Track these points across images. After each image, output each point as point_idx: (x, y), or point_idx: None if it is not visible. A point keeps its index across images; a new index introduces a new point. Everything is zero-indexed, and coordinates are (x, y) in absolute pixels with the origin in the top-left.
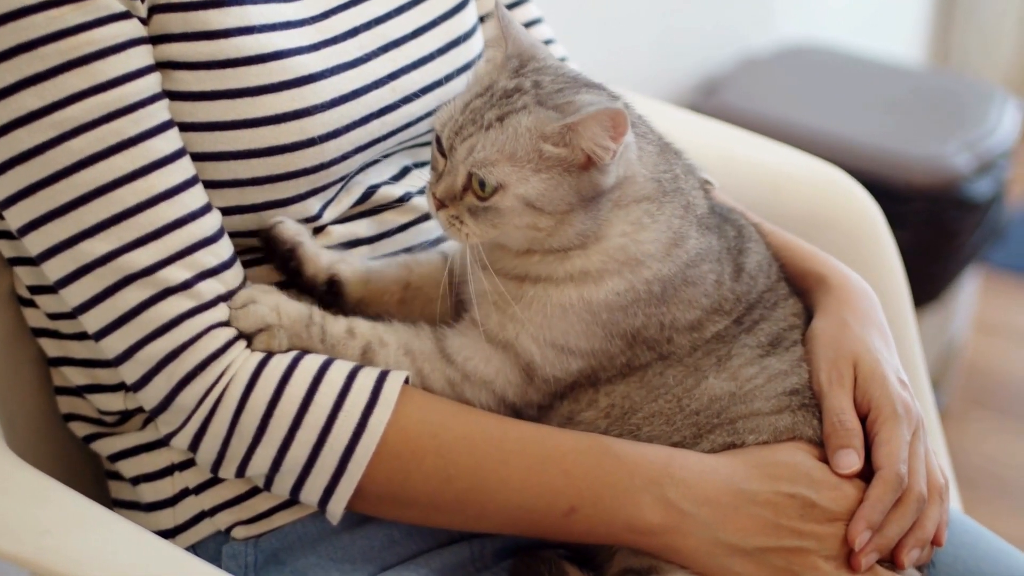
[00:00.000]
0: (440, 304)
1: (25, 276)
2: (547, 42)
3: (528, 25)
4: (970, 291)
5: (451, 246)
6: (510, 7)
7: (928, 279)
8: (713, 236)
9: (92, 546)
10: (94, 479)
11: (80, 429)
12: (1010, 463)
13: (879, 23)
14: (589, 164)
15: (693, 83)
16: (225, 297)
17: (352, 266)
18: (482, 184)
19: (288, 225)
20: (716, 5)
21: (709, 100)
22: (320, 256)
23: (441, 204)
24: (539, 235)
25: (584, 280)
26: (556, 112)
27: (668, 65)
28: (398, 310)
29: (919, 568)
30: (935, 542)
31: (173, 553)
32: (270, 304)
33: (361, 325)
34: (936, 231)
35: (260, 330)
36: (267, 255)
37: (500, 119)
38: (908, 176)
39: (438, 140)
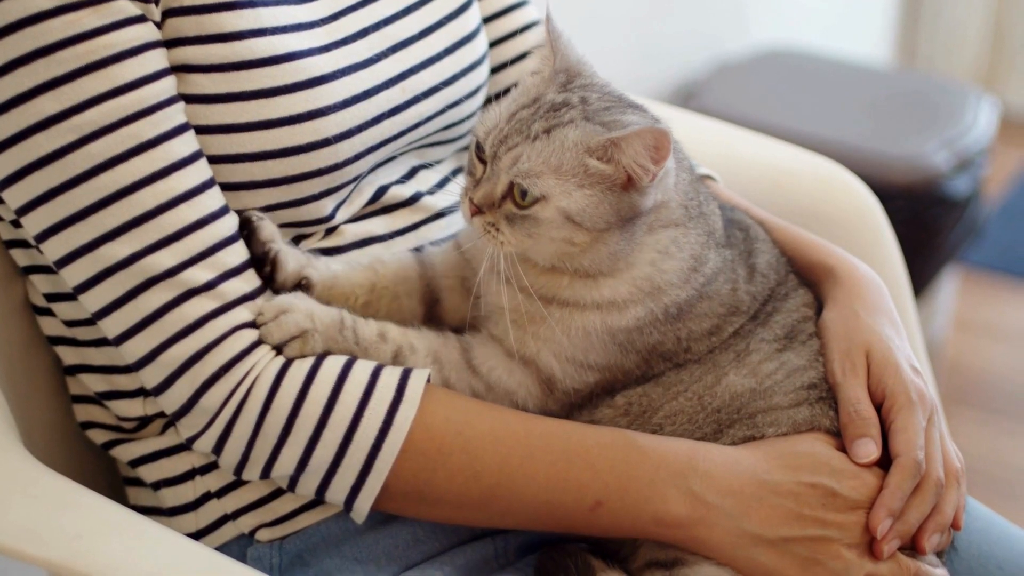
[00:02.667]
0: (408, 302)
1: (41, 284)
2: (533, 24)
3: (514, 8)
4: (949, 289)
5: (431, 248)
6: None
7: (909, 277)
8: (726, 249)
9: (124, 549)
10: (110, 487)
11: (98, 436)
12: (990, 458)
13: (846, 25)
14: (629, 184)
15: (671, 88)
16: (249, 296)
17: (319, 271)
18: (523, 194)
19: (266, 224)
20: (691, 11)
21: (687, 105)
22: (289, 261)
23: (478, 210)
24: (572, 250)
25: (610, 309)
26: (603, 128)
27: (646, 71)
28: (362, 312)
29: (939, 554)
30: (954, 526)
31: (205, 554)
32: (304, 310)
33: (392, 330)
34: (917, 229)
35: (293, 337)
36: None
37: (547, 131)
38: (888, 175)
39: (478, 146)
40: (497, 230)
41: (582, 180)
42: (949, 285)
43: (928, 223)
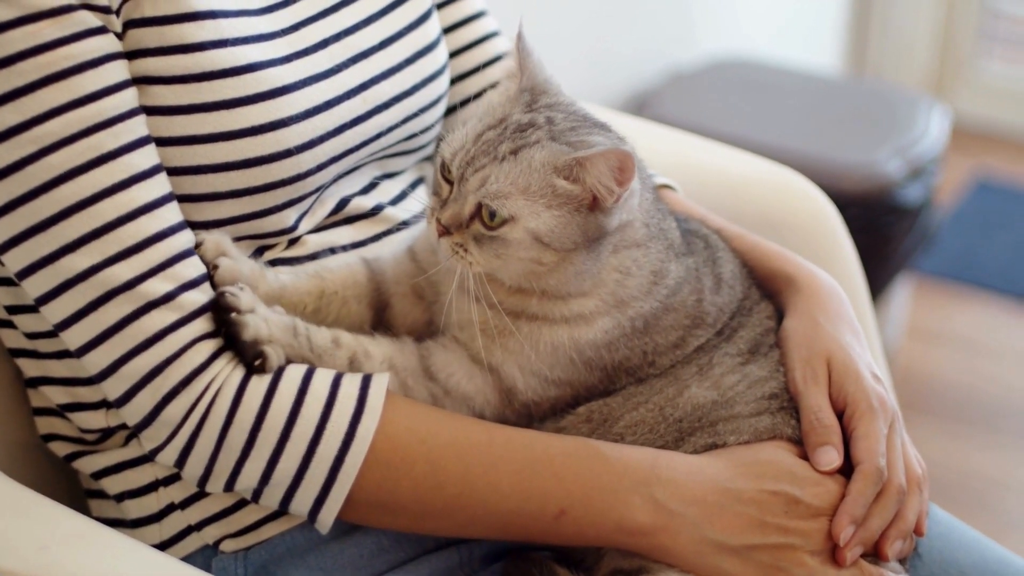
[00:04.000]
0: (357, 307)
1: (2, 296)
2: (492, 35)
3: (473, 18)
4: (902, 297)
5: (380, 254)
6: None
7: None
8: (688, 258)
9: (91, 560)
10: (71, 501)
11: (60, 449)
12: (941, 464)
13: (795, 35)
14: (595, 205)
15: (624, 99)
16: (208, 307)
17: (267, 286)
18: (492, 215)
19: (208, 245)
20: (641, 23)
21: (640, 115)
22: (239, 275)
23: (445, 231)
24: (540, 269)
25: (578, 322)
26: (569, 148)
27: (599, 82)
28: (311, 319)
29: (901, 560)
30: (916, 532)
31: (172, 565)
32: (262, 315)
33: (345, 336)
34: (870, 237)
35: (257, 342)
36: None
37: (514, 152)
38: (841, 183)
39: (443, 167)
40: (465, 251)
41: (550, 201)
42: (902, 293)
43: (881, 231)
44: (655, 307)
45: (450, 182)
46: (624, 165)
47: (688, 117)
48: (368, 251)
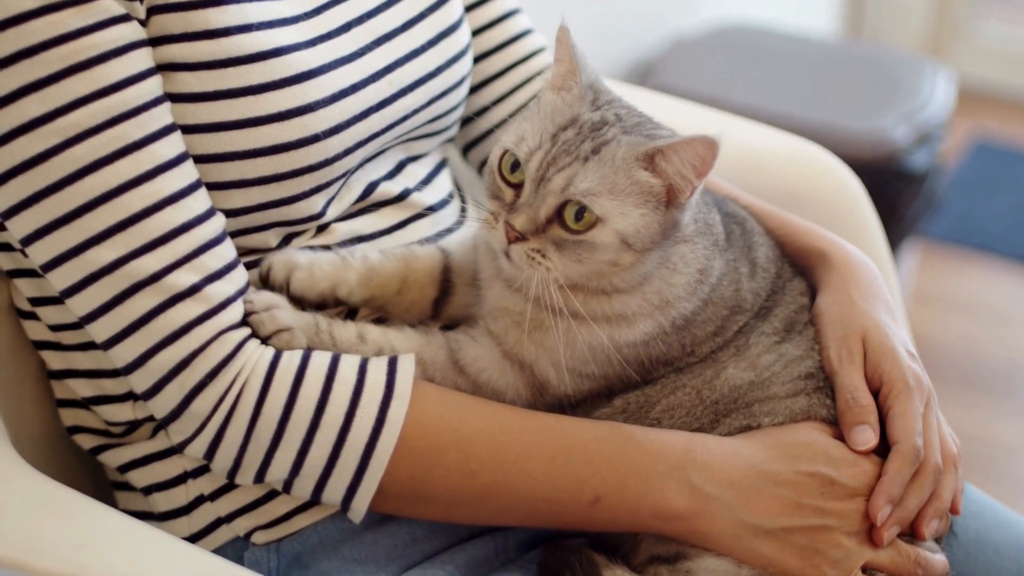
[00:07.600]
0: (432, 292)
1: (26, 288)
2: (513, 12)
3: (507, 16)
4: (910, 262)
5: (451, 242)
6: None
7: None
8: (729, 251)
9: (129, 557)
10: (97, 493)
11: (86, 441)
12: (952, 429)
13: None
14: (670, 200)
15: (627, 67)
16: (233, 298)
17: (356, 271)
18: (578, 216)
19: (277, 269)
20: None
21: (645, 83)
22: (317, 283)
23: (519, 236)
24: (614, 271)
25: (619, 322)
26: (646, 139)
27: (603, 50)
28: (394, 300)
29: (937, 539)
30: (952, 511)
31: (211, 561)
32: (289, 308)
33: (371, 331)
34: (878, 204)
35: (281, 331)
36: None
37: (596, 151)
38: (849, 150)
39: (510, 168)
40: (544, 256)
41: (636, 200)
42: (908, 259)
43: (889, 197)
44: (696, 305)
45: (513, 185)
46: (707, 155)
47: (692, 85)
48: (394, 238)
